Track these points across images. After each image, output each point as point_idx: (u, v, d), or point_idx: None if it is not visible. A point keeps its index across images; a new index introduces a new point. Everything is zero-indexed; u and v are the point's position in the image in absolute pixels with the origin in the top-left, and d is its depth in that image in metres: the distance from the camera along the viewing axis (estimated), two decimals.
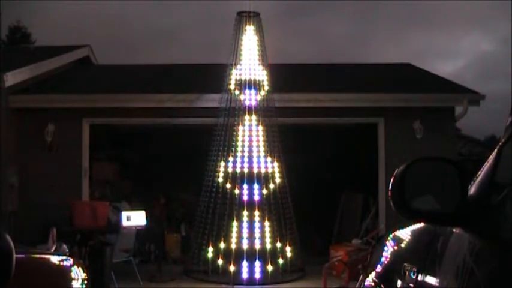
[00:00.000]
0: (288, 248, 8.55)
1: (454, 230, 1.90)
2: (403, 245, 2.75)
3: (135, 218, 8.23)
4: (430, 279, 1.98)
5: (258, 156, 8.68)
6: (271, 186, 8.62)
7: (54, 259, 4.16)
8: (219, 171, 8.67)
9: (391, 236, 2.95)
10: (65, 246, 7.83)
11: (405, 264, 2.33)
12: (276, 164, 8.74)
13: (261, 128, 8.84)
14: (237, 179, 8.59)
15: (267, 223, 8.56)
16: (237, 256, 8.49)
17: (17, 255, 1.85)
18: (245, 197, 8.55)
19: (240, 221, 8.51)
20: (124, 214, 8.30)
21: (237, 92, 8.92)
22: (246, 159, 8.64)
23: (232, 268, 8.25)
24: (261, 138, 8.79)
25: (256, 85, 8.90)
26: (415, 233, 2.57)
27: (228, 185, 8.62)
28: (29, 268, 3.35)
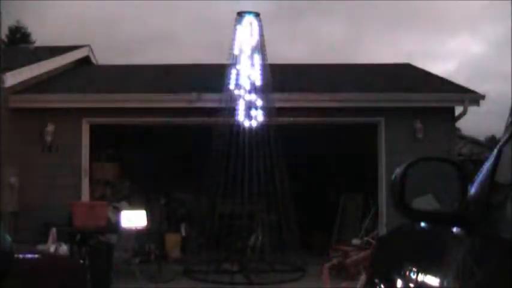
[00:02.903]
0: (288, 248, 8.55)
1: (454, 230, 1.90)
2: (403, 245, 2.75)
3: (135, 218, 8.24)
4: (430, 279, 1.98)
5: (258, 157, 8.68)
6: (271, 186, 8.61)
7: (55, 259, 4.17)
8: (219, 171, 8.66)
9: (390, 236, 2.95)
10: (65, 246, 7.83)
11: (405, 264, 2.33)
12: (276, 164, 8.73)
13: (261, 128, 8.83)
14: (237, 179, 8.59)
15: (267, 223, 8.56)
16: (237, 256, 8.50)
17: (19, 255, 1.85)
18: (245, 197, 8.54)
19: (240, 221, 8.51)
20: (124, 214, 8.30)
21: (236, 92, 8.92)
22: (246, 159, 8.63)
23: (232, 268, 8.25)
24: (261, 138, 8.78)
25: (256, 85, 8.90)
26: (415, 233, 2.57)
27: (228, 185, 8.61)
28: (30, 268, 3.35)
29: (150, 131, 11.04)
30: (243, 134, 8.75)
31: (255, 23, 9.04)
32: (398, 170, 1.93)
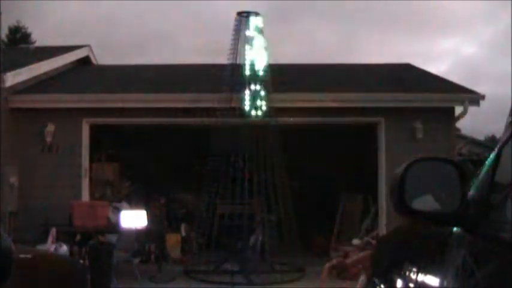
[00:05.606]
0: (287, 248, 8.55)
1: (454, 230, 1.89)
2: (403, 245, 2.75)
3: (135, 218, 8.23)
4: (430, 279, 1.98)
5: (258, 157, 8.68)
6: (272, 186, 8.62)
7: (55, 259, 4.17)
8: (219, 171, 8.66)
9: (390, 236, 2.95)
10: (65, 246, 7.83)
11: (405, 264, 2.33)
12: (276, 164, 8.73)
13: (261, 128, 8.83)
14: (237, 179, 8.59)
15: (267, 223, 8.56)
16: (237, 256, 8.50)
17: (19, 255, 1.85)
18: (245, 197, 8.55)
19: (240, 221, 8.51)
20: (124, 214, 8.30)
21: (236, 92, 8.92)
22: (246, 160, 8.64)
23: (232, 268, 8.25)
24: (262, 139, 8.78)
25: (256, 85, 8.90)
26: (415, 233, 2.57)
27: (228, 185, 8.61)
28: (29, 268, 3.34)
29: (150, 131, 11.05)
30: (242, 134, 8.74)
31: (255, 22, 9.03)
32: (398, 170, 1.92)
